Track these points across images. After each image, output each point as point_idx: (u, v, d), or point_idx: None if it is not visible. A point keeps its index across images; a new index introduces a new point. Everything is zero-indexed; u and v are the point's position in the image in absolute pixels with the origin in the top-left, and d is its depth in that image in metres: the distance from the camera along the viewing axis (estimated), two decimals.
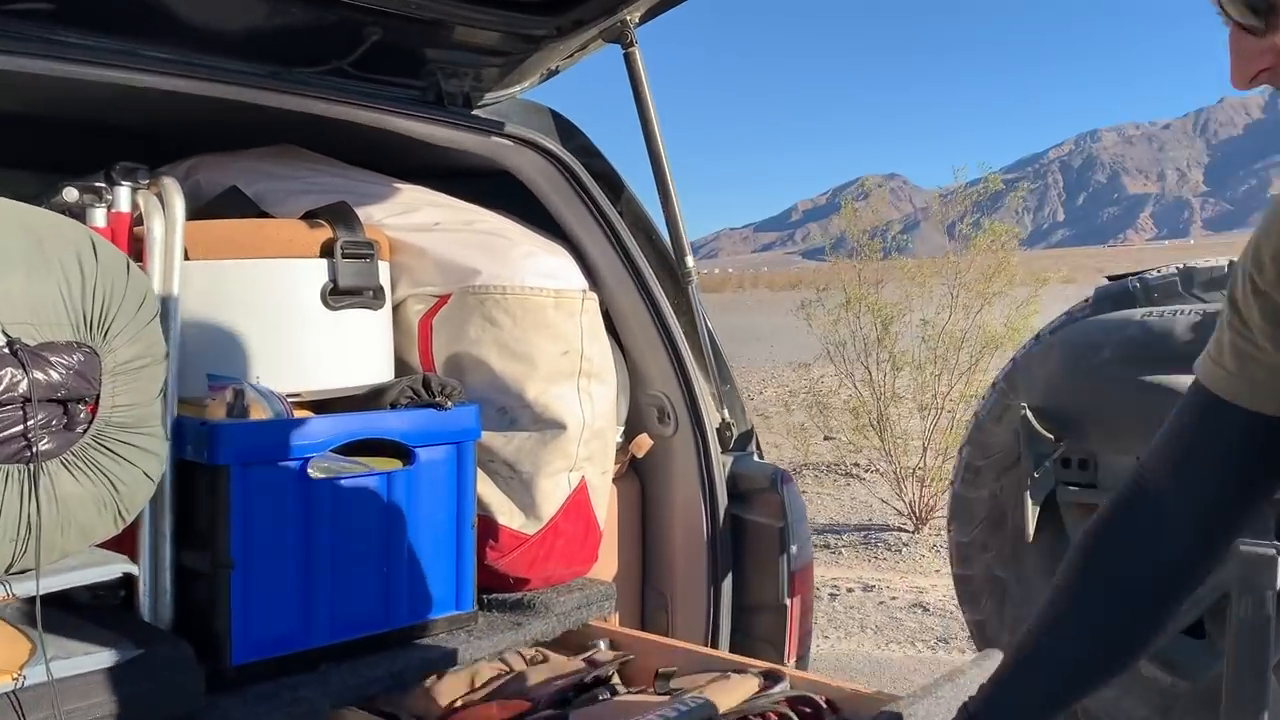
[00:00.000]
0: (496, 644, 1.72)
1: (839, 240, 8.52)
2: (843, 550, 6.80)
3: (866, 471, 8.29)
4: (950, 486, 2.06)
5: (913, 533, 7.02)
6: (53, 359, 1.20)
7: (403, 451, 1.66)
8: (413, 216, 1.88)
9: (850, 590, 5.96)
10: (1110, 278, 2.06)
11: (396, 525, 1.64)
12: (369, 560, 1.62)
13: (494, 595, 1.84)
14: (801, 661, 2.05)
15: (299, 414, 1.61)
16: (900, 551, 6.77)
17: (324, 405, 1.73)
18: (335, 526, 1.57)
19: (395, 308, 1.89)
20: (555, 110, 2.07)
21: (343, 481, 1.58)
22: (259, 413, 1.54)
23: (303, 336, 1.65)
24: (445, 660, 1.65)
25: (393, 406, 1.67)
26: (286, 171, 1.91)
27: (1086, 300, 2.03)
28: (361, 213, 1.81)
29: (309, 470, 1.55)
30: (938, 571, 6.36)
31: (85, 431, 1.26)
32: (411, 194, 1.94)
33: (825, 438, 8.75)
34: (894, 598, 5.87)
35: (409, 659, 1.62)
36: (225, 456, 1.47)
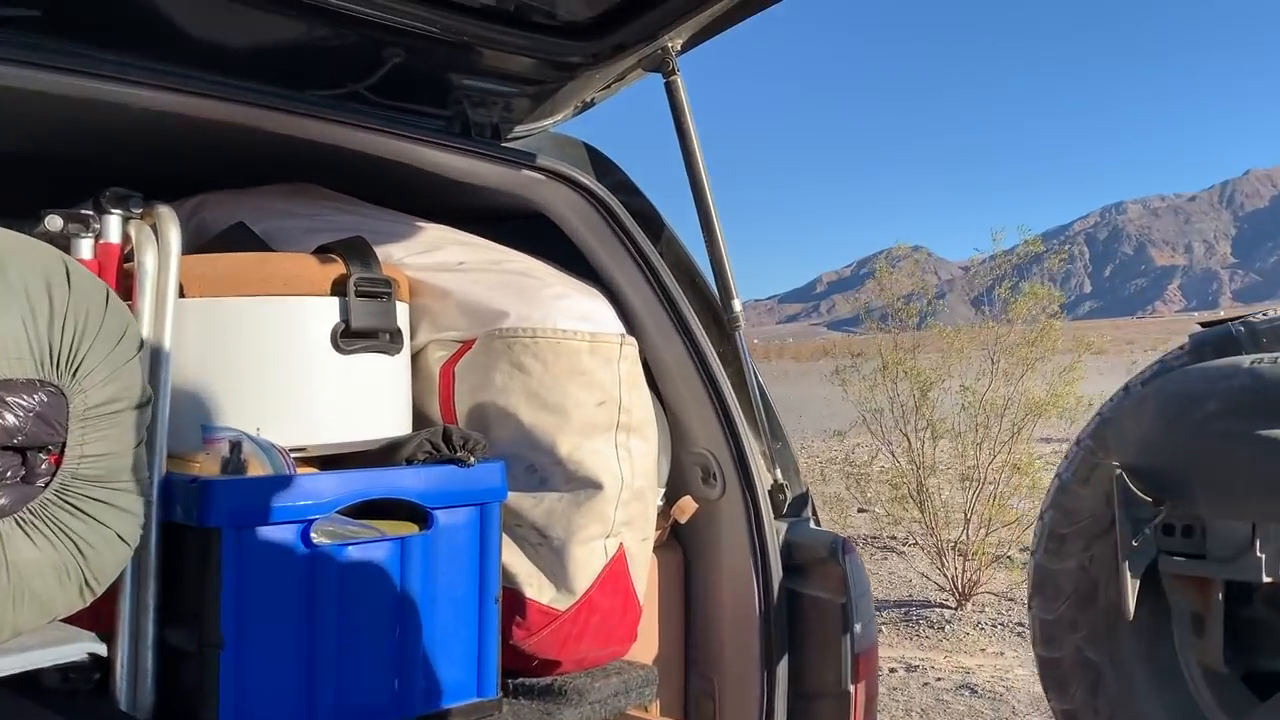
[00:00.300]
0: None
1: (870, 308, 8.34)
2: (883, 628, 6.48)
3: (905, 544, 8.00)
4: (1030, 557, 1.83)
5: (955, 609, 6.71)
6: (9, 399, 1.02)
7: (419, 514, 1.47)
8: (436, 255, 1.71)
9: (893, 670, 5.66)
10: (1204, 324, 1.85)
11: (411, 598, 1.44)
12: (380, 638, 1.42)
13: (520, 679, 1.62)
14: None
15: (303, 471, 1.43)
16: (943, 629, 6.45)
17: (332, 461, 1.54)
18: (342, 599, 1.38)
19: (415, 354, 1.71)
20: (590, 144, 1.92)
21: (351, 548, 1.39)
22: (257, 469, 1.36)
23: (310, 383, 1.48)
24: None
25: (408, 463, 1.49)
26: (301, 210, 1.75)
27: (1181, 347, 1.82)
28: (380, 251, 1.64)
29: (312, 535, 1.36)
30: (984, 650, 6.06)
31: (47, 485, 1.08)
32: (435, 232, 1.78)
33: (859, 510, 8.47)
34: (939, 678, 5.56)
35: None
36: (217, 517, 1.29)
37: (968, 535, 6.74)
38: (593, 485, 1.62)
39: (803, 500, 1.92)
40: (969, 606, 6.70)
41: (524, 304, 1.64)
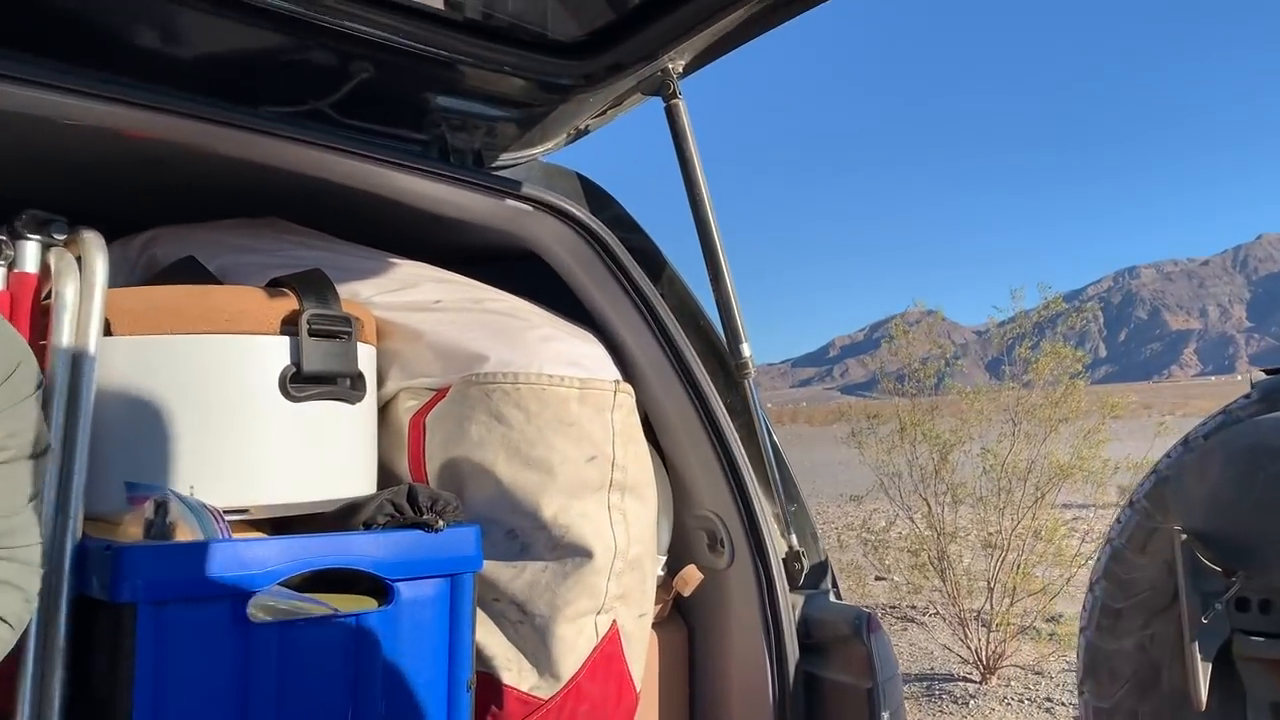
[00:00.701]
0: None
1: (886, 371, 8.14)
2: (904, 702, 6.17)
3: (926, 614, 7.69)
4: (1080, 635, 1.61)
5: (980, 683, 6.39)
6: None
7: (378, 587, 1.27)
8: (409, 293, 1.53)
9: None
10: (1269, 370, 1.65)
11: (367, 686, 1.24)
12: None
13: None
14: None
15: (242, 535, 1.24)
16: (968, 704, 6.14)
17: (283, 525, 1.35)
18: (283, 688, 1.17)
19: (384, 405, 1.53)
20: (585, 176, 1.75)
21: (295, 627, 1.19)
22: (186, 534, 1.16)
23: (255, 435, 1.29)
24: None
25: (366, 527, 1.29)
26: (262, 245, 1.58)
27: (1247, 395, 1.61)
28: (346, 289, 1.47)
29: (249, 611, 1.16)
30: None
31: None
32: (410, 269, 1.60)
33: (877, 577, 8.17)
34: None
35: None
36: (131, 590, 1.09)
37: (991, 605, 6.45)
38: (582, 553, 1.42)
39: (821, 570, 1.71)
40: (994, 680, 6.39)
41: (506, 347, 1.46)
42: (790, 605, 1.61)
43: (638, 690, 1.51)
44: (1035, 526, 6.56)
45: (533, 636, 1.40)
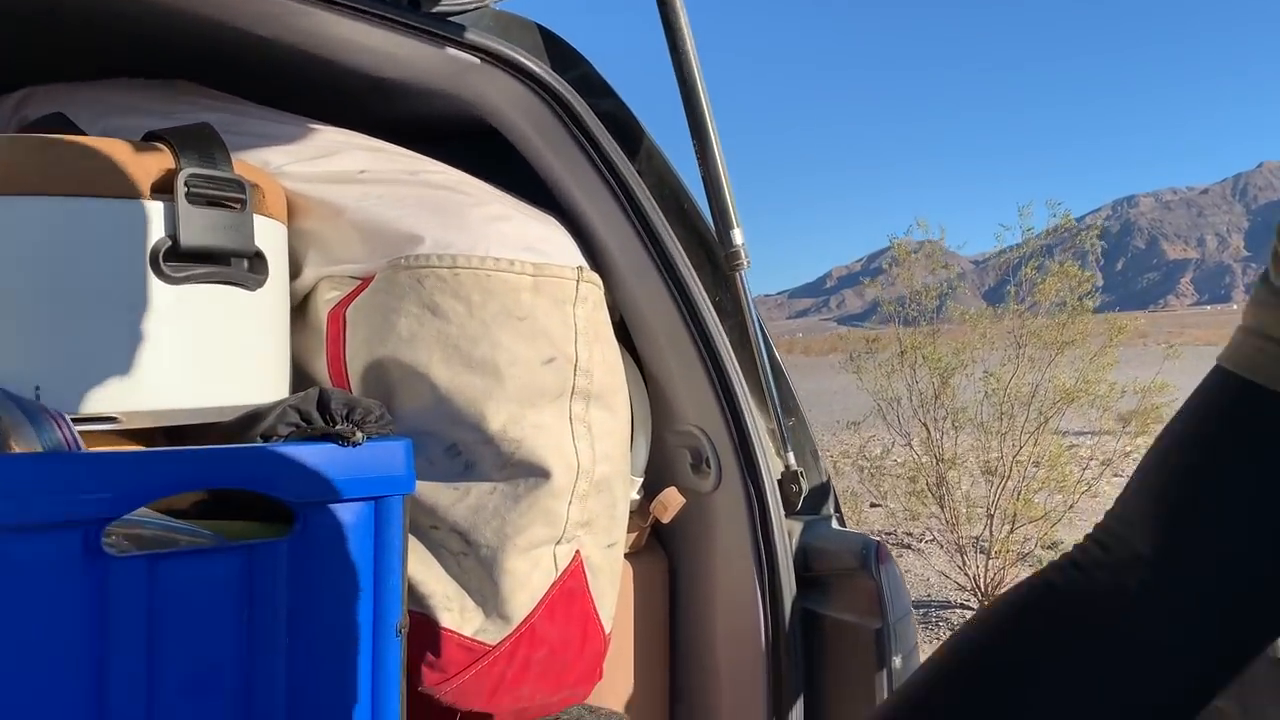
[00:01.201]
0: None
1: (887, 296, 7.87)
2: (918, 645, 6.05)
3: (923, 541, 7.56)
4: None
5: (977, 610, 6.25)
6: None
7: (281, 512, 1.03)
8: (329, 163, 1.26)
9: None
10: None
11: (266, 634, 1.00)
12: (216, 695, 0.98)
13: None
14: None
15: (102, 448, 0.99)
16: None
17: (174, 441, 1.11)
18: (156, 637, 0.94)
19: (302, 301, 1.27)
20: (547, 29, 1.47)
21: (169, 561, 0.95)
22: (22, 445, 0.92)
23: (122, 323, 1.03)
24: None
25: (265, 439, 1.04)
26: (155, 105, 1.31)
27: None
28: (251, 156, 1.21)
29: (106, 540, 0.92)
30: None
31: None
32: (333, 135, 1.33)
33: (873, 504, 8.01)
34: None
35: None
36: None
37: (991, 532, 6.30)
38: (537, 472, 1.18)
39: (823, 493, 1.48)
40: None
41: (445, 226, 1.20)
42: (786, 533, 1.38)
43: (607, 632, 1.29)
44: (1037, 453, 6.38)
45: (478, 571, 1.16)
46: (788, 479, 1.42)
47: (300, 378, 1.23)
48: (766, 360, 1.42)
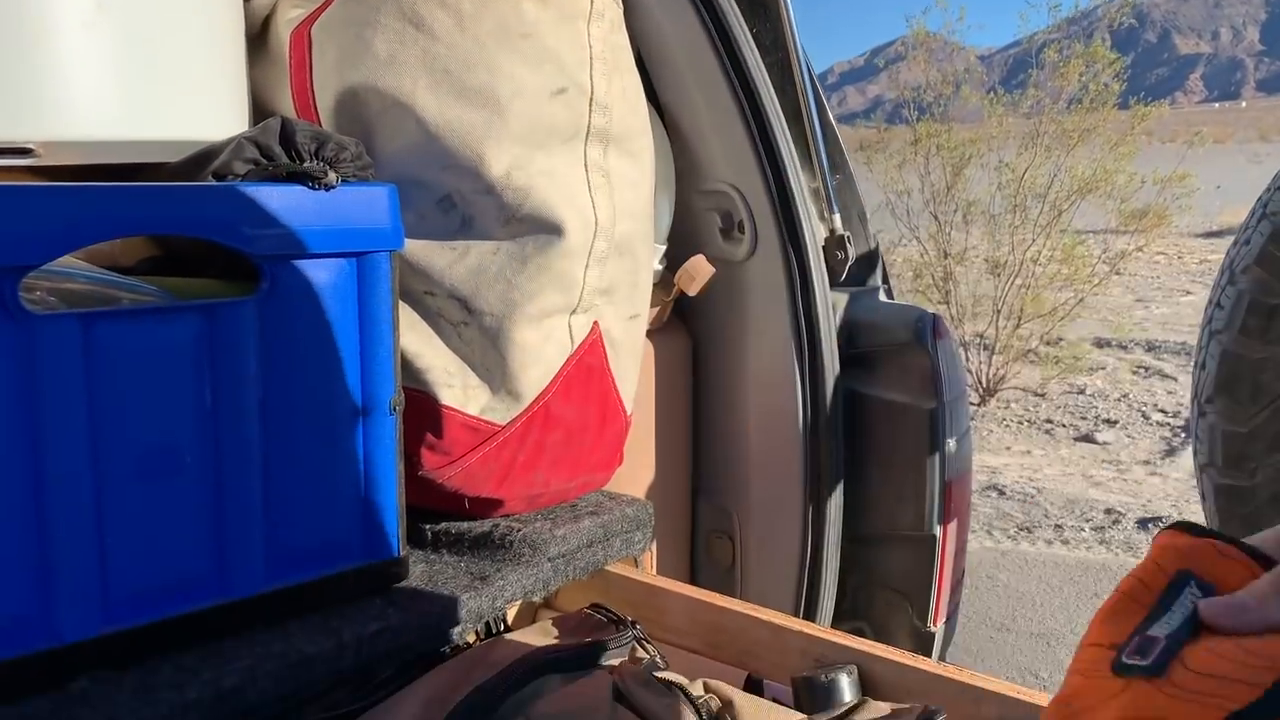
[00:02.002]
0: (439, 619, 0.94)
1: (902, 80, 7.46)
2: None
3: None
4: (1211, 339, 1.22)
5: (979, 405, 6.26)
6: None
7: (244, 269, 0.86)
8: None
9: None
10: None
11: (233, 410, 0.85)
12: (178, 478, 0.83)
13: (438, 528, 1.06)
14: (949, 625, 1.27)
15: (11, 181, 0.80)
16: None
17: (100, 178, 0.91)
18: (98, 415, 0.78)
19: (260, 23, 1.05)
20: None
21: (108, 322, 0.78)
22: None
23: (33, 35, 0.82)
24: (339, 655, 0.88)
25: (218, 178, 0.85)
26: None
27: None
28: None
29: (24, 295, 0.74)
30: (1009, 449, 5.65)
31: None
32: None
33: None
34: None
35: (264, 658, 0.84)
36: None
37: (996, 328, 6.21)
38: (548, 228, 1.00)
39: (871, 261, 1.30)
40: (993, 403, 6.26)
41: None
42: (830, 305, 1.21)
43: (628, 414, 1.14)
44: (1049, 246, 6.21)
45: (482, 343, 1.00)
46: (832, 245, 1.24)
47: (263, 114, 1.03)
48: (813, 103, 1.21)
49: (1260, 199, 1.29)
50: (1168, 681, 0.38)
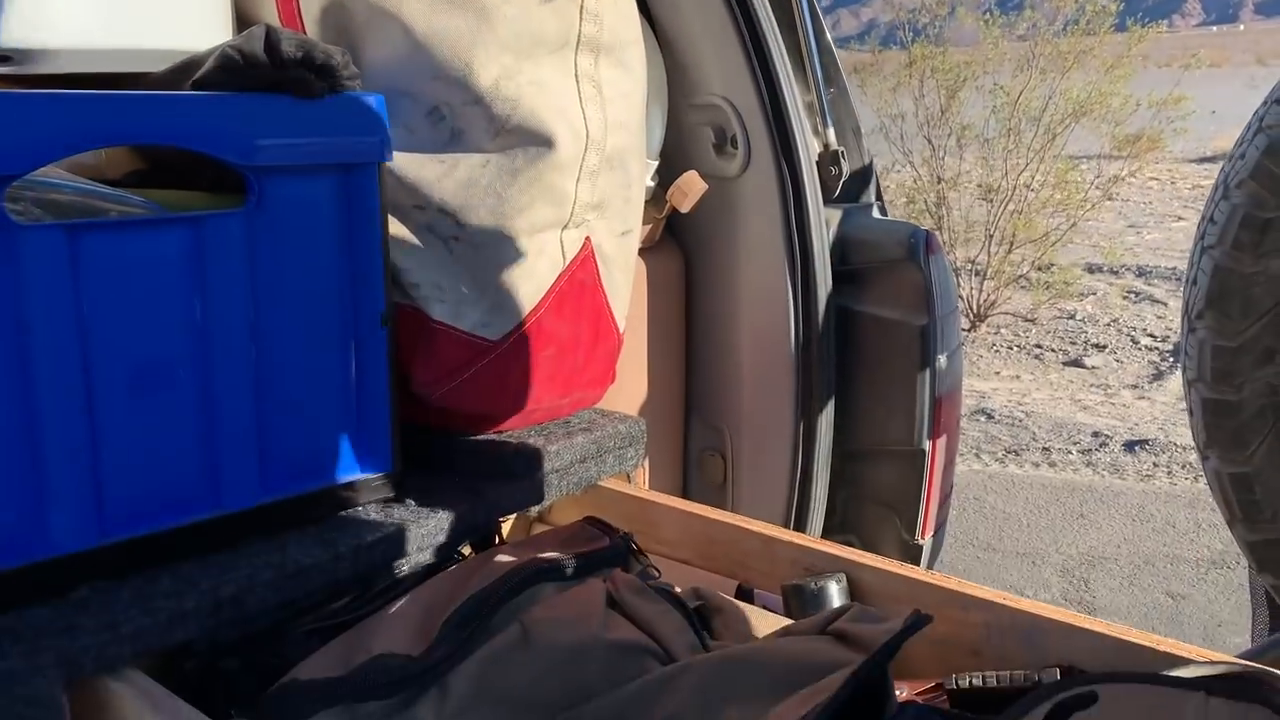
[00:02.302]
0: (435, 531, 0.96)
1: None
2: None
3: None
4: (1203, 254, 1.22)
5: (969, 331, 6.28)
6: None
7: (230, 182, 0.85)
8: None
9: None
10: None
11: (224, 323, 0.84)
12: (172, 392, 0.83)
13: (433, 444, 1.06)
14: (937, 539, 1.28)
15: None
16: None
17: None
18: (88, 329, 0.78)
19: None
20: None
21: (94, 235, 0.77)
22: None
23: None
24: (335, 566, 0.89)
25: (202, 88, 0.84)
26: None
27: None
28: None
29: (8, 208, 0.73)
30: (998, 374, 5.68)
31: None
32: None
33: None
34: None
35: (261, 568, 0.85)
36: None
37: (989, 253, 6.20)
38: (538, 140, 0.98)
39: (864, 177, 1.29)
40: (983, 328, 6.28)
41: None
42: (824, 221, 1.21)
43: (621, 331, 1.14)
44: (1043, 171, 6.17)
45: (472, 257, 0.99)
46: (826, 160, 1.23)
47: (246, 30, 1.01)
48: (807, 14, 1.19)
49: (1256, 113, 1.28)
50: None
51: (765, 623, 0.86)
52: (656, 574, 0.96)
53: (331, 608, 0.89)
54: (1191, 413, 1.27)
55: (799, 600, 0.86)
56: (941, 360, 1.19)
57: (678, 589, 0.88)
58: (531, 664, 0.79)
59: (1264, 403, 1.20)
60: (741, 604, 0.88)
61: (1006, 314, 6.42)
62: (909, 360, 1.18)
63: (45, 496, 0.78)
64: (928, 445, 1.20)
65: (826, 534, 1.30)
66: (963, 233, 6.47)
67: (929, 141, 6.17)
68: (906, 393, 1.20)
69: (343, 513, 0.94)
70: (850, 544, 1.29)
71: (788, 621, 0.86)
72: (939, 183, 6.31)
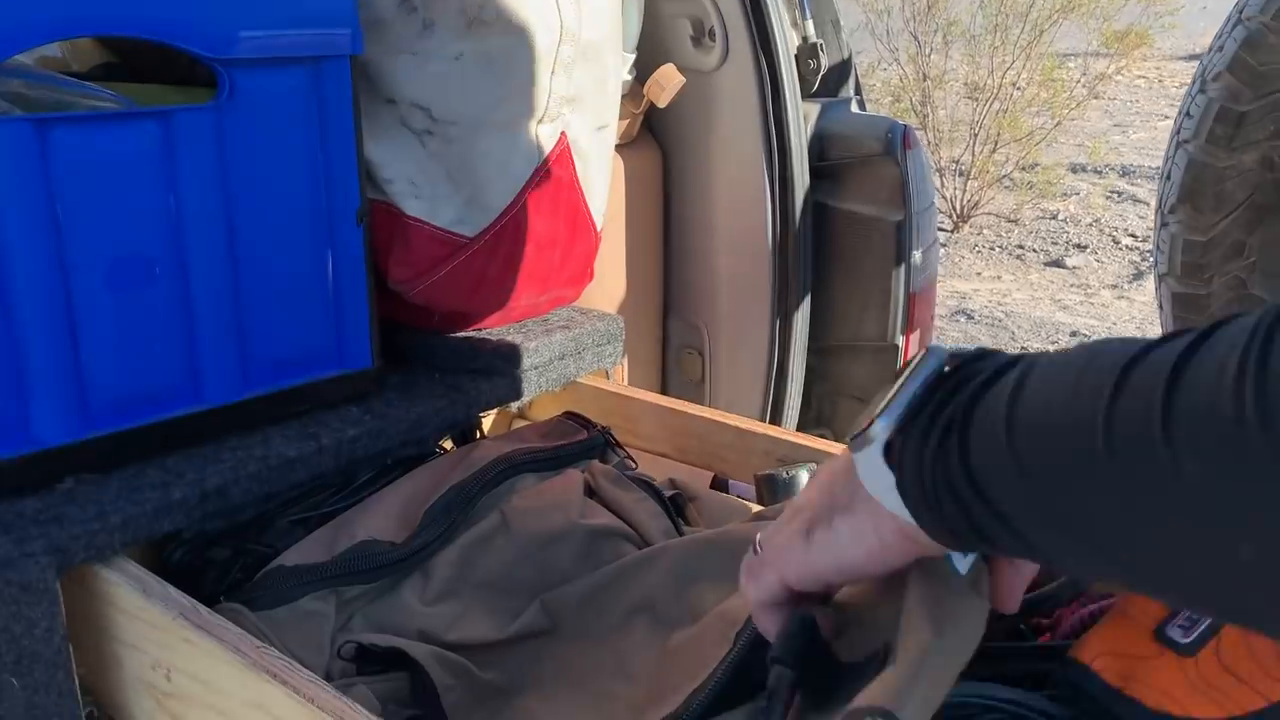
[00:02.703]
0: (415, 425, 0.97)
1: None
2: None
3: None
4: (1178, 149, 1.22)
5: (952, 232, 6.28)
6: None
7: (200, 77, 0.84)
8: None
9: None
10: None
11: (200, 219, 0.84)
12: (150, 286, 0.83)
13: (411, 341, 1.07)
14: None
15: None
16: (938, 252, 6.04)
17: None
18: (62, 224, 0.78)
19: None
20: None
21: (64, 129, 0.76)
22: None
23: None
24: (319, 458, 0.91)
25: None
26: None
27: None
28: None
29: None
30: (980, 274, 5.70)
31: None
32: None
33: None
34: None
35: (246, 460, 0.87)
36: None
37: (973, 153, 6.16)
38: (511, 31, 0.97)
39: (843, 71, 1.28)
40: (966, 229, 6.28)
41: None
42: (802, 116, 1.20)
43: (598, 229, 1.14)
44: (1029, 68, 6.09)
45: (447, 153, 0.99)
46: (805, 53, 1.22)
47: None
48: None
49: (1236, 4, 1.27)
50: (1194, 667, 0.38)
51: (738, 510, 0.88)
52: (634, 465, 0.98)
53: (315, 499, 0.91)
54: (1160, 307, 1.29)
55: (771, 488, 0.89)
56: (916, 256, 1.20)
57: (654, 478, 0.91)
58: (511, 549, 0.81)
59: (1231, 296, 1.22)
60: (715, 492, 0.91)
61: (990, 214, 6.41)
62: (884, 256, 1.19)
63: (27, 390, 0.79)
64: (901, 340, 1.22)
65: (802, 428, 1.33)
66: (948, 132, 6.41)
67: (915, 38, 6.06)
68: (881, 288, 1.21)
69: (324, 407, 0.96)
70: (825, 438, 1.32)
71: (760, 508, 0.88)
72: (924, 80, 6.22)
